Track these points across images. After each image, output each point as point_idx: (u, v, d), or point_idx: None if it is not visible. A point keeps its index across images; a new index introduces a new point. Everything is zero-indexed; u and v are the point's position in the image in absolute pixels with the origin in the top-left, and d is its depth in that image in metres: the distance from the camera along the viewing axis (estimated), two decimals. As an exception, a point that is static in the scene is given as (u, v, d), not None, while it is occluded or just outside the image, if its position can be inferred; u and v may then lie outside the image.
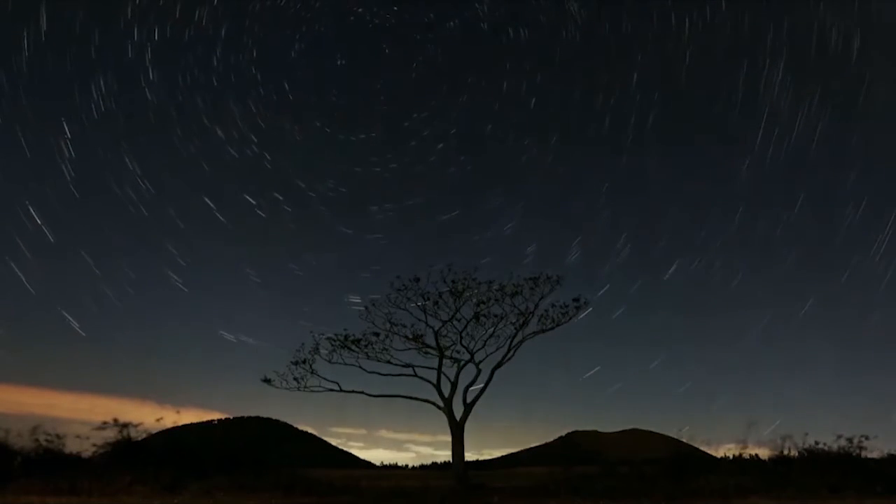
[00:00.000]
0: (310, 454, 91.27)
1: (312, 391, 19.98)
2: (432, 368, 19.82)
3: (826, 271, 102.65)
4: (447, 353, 19.67)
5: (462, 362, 19.73)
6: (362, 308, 19.94)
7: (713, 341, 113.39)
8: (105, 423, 15.74)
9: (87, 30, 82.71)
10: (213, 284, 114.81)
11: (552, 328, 19.63)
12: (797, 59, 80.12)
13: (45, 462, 15.32)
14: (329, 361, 20.00)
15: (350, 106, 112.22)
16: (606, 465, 17.61)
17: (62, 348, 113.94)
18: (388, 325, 19.67)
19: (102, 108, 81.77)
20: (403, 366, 20.00)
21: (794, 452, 15.31)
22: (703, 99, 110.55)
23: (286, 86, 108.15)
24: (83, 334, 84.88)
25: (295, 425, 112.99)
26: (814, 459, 14.71)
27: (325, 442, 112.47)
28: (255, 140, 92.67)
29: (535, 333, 19.67)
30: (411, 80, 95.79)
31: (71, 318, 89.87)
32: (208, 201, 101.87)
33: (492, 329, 19.52)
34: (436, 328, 19.44)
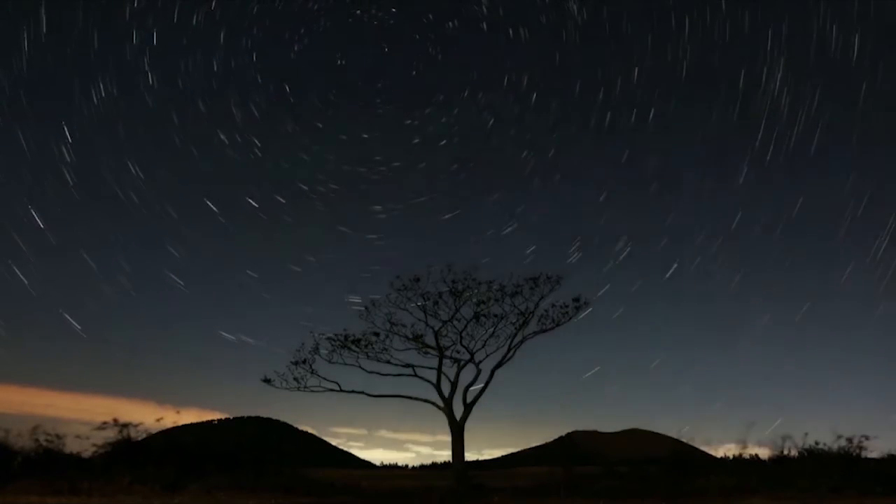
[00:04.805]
0: (310, 454, 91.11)
1: (312, 391, 19.91)
2: (432, 368, 19.77)
3: (825, 271, 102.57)
4: (447, 353, 19.64)
5: (462, 362, 19.69)
6: (362, 308, 19.85)
7: (713, 341, 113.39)
8: (105, 423, 15.69)
9: (86, 31, 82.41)
10: (213, 284, 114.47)
11: (552, 328, 19.53)
12: (797, 58, 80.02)
13: (45, 462, 15.28)
14: (329, 361, 19.91)
15: (350, 106, 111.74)
16: (606, 465, 17.63)
17: (62, 348, 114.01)
18: (388, 325, 19.60)
19: (102, 111, 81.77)
20: (403, 366, 19.95)
21: (794, 452, 15.35)
22: (703, 98, 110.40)
23: (286, 87, 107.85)
24: (83, 335, 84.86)
25: (295, 425, 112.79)
26: (814, 459, 14.73)
27: (325, 442, 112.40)
28: (258, 143, 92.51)
29: (535, 333, 19.57)
30: (411, 80, 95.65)
31: (71, 319, 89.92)
32: (209, 203, 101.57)
33: (492, 329, 19.44)
34: (436, 328, 19.40)
